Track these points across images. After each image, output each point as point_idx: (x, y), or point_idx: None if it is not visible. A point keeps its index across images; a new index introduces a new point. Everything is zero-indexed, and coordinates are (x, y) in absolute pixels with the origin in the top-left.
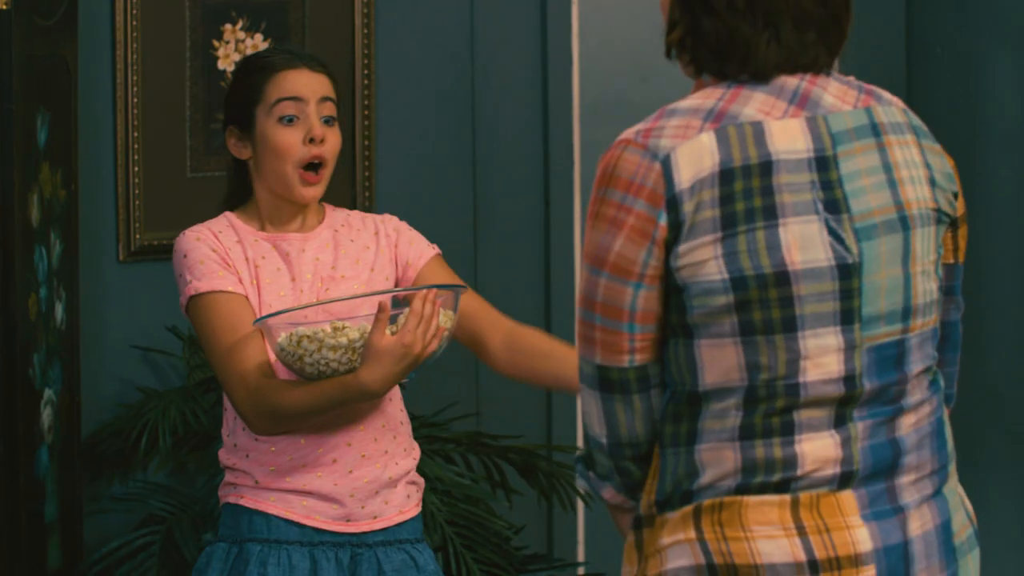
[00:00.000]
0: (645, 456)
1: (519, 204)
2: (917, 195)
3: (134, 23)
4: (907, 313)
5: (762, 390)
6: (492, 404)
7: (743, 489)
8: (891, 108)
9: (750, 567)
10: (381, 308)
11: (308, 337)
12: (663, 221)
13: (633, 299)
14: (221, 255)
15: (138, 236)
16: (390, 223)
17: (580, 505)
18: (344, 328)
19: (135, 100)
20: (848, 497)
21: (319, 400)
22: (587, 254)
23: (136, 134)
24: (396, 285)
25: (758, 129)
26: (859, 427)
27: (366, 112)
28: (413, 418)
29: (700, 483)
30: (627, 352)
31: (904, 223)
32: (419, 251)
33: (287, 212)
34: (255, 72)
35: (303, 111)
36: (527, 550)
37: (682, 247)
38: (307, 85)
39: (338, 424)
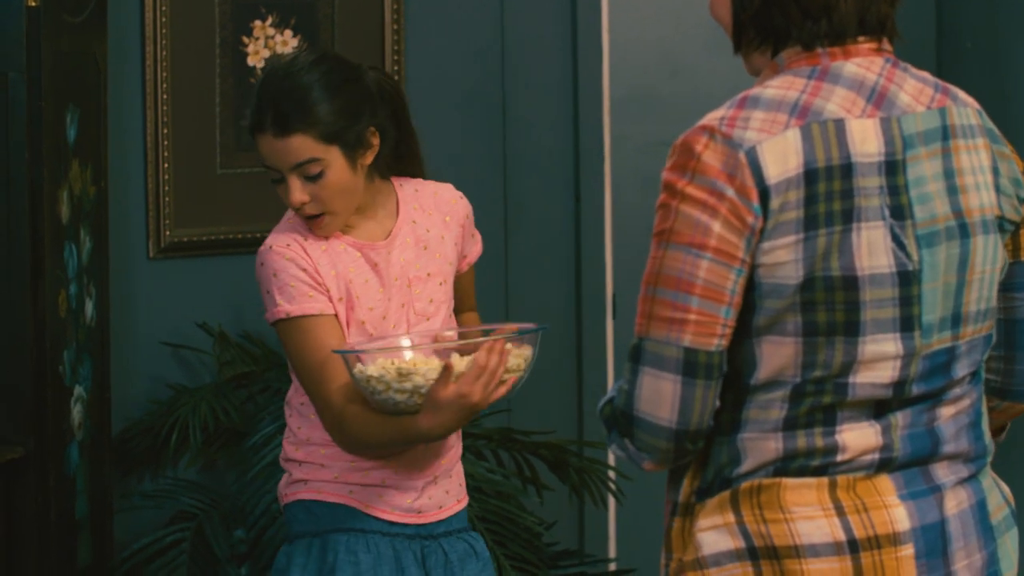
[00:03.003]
0: (701, 443)
1: (550, 200)
2: (981, 202)
3: (163, 19)
4: (957, 320)
5: (810, 386)
6: (523, 400)
7: (781, 472)
8: (966, 110)
9: (790, 548)
10: (446, 367)
11: (375, 379)
12: (760, 213)
13: (734, 284)
14: (311, 274)
15: (168, 233)
16: (461, 208)
17: (611, 501)
18: (409, 375)
19: (165, 97)
20: (884, 480)
21: (386, 436)
22: (678, 234)
23: (166, 131)
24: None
25: (840, 128)
26: (899, 417)
27: None
28: None
29: (740, 470)
30: (718, 336)
31: (964, 230)
32: (473, 250)
33: (356, 222)
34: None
35: (283, 175)
36: (558, 546)
37: (765, 244)
38: (277, 157)
39: None
